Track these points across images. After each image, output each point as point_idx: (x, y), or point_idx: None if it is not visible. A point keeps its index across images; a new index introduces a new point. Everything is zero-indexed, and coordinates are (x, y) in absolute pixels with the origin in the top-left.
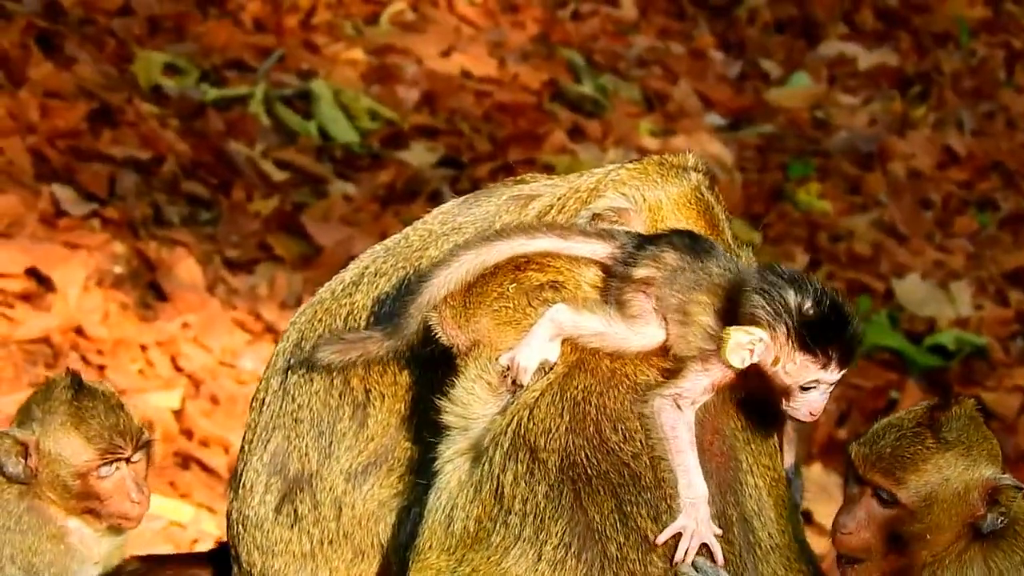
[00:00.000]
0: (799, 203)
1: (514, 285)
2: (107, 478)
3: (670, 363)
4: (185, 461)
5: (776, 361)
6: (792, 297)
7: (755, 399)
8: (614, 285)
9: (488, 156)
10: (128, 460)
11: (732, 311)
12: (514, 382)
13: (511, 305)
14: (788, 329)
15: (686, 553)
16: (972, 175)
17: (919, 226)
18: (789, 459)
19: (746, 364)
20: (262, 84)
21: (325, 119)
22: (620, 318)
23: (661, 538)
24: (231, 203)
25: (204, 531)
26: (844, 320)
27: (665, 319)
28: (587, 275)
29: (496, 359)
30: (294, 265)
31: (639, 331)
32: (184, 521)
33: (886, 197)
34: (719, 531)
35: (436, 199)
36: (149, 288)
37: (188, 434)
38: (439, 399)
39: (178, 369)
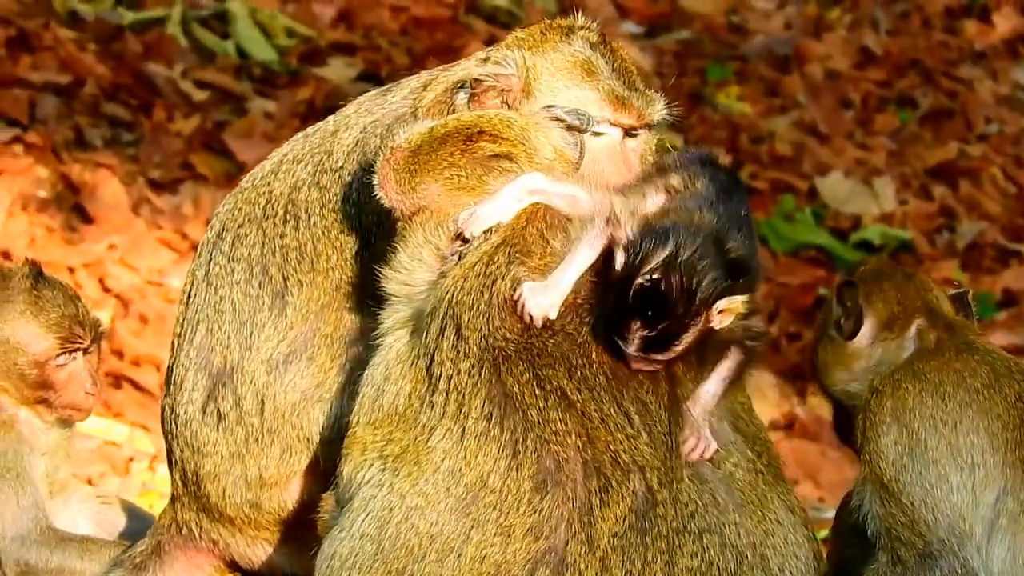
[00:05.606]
0: (719, 106)
1: (466, 156)
2: (64, 367)
3: None
4: (117, 381)
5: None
6: (659, 256)
7: None
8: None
9: (407, 69)
10: (85, 351)
11: None
12: (463, 240)
13: (464, 173)
14: (625, 274)
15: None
16: (890, 74)
17: (839, 125)
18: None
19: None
20: (178, 6)
21: (243, 38)
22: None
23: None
24: (153, 124)
25: (139, 449)
26: (650, 320)
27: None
28: (543, 151)
29: (447, 223)
30: (218, 183)
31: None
32: (119, 440)
33: (805, 98)
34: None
35: None
36: (74, 211)
37: (119, 354)
38: (380, 268)
39: (106, 290)
